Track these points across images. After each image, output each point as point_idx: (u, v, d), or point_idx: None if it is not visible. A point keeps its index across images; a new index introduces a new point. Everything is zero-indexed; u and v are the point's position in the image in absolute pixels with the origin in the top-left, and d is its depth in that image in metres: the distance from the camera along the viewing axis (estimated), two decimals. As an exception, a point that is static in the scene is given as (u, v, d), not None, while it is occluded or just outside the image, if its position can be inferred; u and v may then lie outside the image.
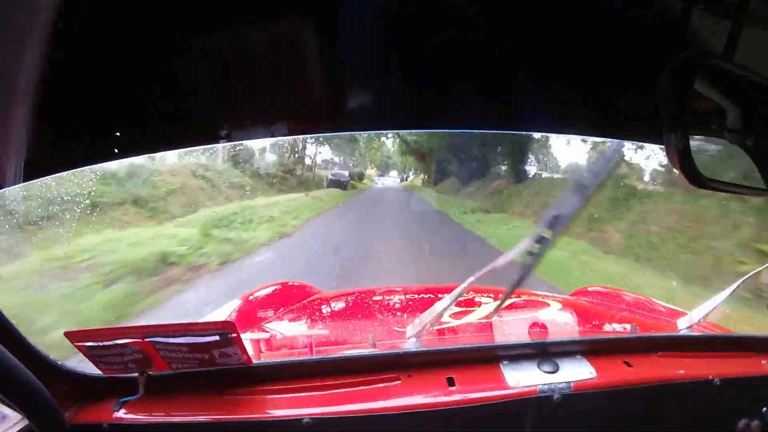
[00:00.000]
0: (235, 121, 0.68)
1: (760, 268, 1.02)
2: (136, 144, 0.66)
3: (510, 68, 0.68)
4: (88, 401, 0.76)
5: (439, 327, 1.14)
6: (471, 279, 0.84)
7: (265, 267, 5.63)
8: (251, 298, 1.66)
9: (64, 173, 0.69)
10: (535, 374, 0.82)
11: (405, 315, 1.34)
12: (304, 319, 1.40)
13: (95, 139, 0.63)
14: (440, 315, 0.89)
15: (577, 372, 0.82)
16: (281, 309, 1.45)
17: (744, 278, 1.00)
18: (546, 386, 0.79)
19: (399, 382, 0.81)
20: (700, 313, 1.01)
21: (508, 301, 1.41)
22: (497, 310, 0.93)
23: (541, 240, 0.75)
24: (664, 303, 1.49)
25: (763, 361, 0.91)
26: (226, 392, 0.77)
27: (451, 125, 0.84)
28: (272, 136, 0.71)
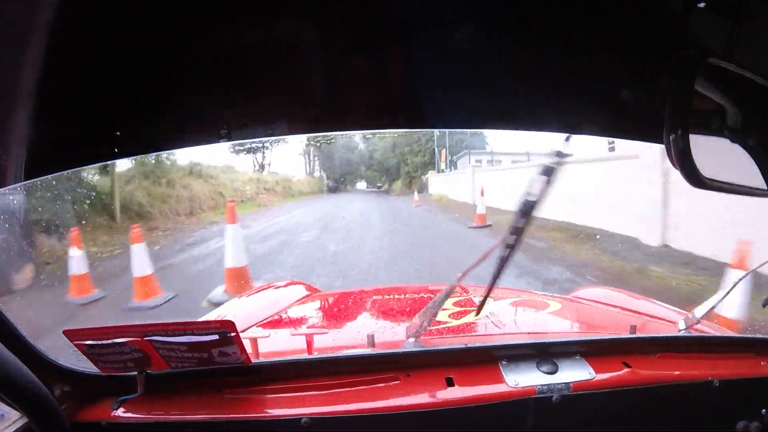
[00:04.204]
0: (235, 120, 0.68)
1: (757, 266, 1.01)
2: (136, 144, 0.66)
3: (510, 68, 0.68)
4: (87, 400, 0.77)
5: (438, 327, 1.14)
6: (459, 275, 0.84)
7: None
8: (250, 297, 1.66)
9: (65, 173, 0.69)
10: (534, 375, 0.82)
11: (404, 315, 1.34)
12: (303, 318, 1.40)
13: (95, 139, 0.63)
14: (435, 313, 0.89)
15: (576, 372, 0.82)
16: (280, 308, 1.45)
17: (741, 277, 0.99)
18: (545, 387, 0.79)
19: (398, 381, 0.80)
20: (699, 312, 1.00)
21: (509, 300, 1.40)
22: (482, 305, 0.93)
23: (516, 231, 0.76)
24: (663, 304, 1.48)
25: (762, 362, 0.91)
26: (225, 391, 0.78)
27: (452, 124, 0.83)
28: (272, 135, 0.71)
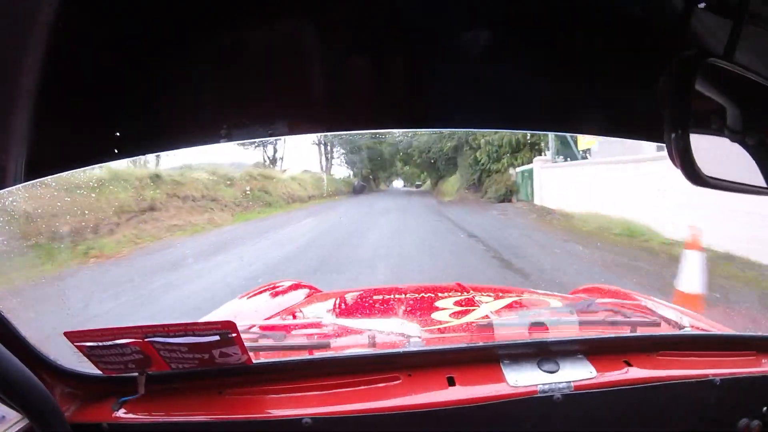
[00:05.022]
0: (235, 120, 0.68)
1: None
2: (136, 144, 0.66)
3: (511, 67, 0.68)
4: (88, 401, 0.77)
5: (439, 327, 1.14)
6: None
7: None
8: (251, 297, 1.66)
9: (65, 173, 0.69)
10: (535, 374, 0.82)
11: (405, 314, 1.34)
12: (305, 318, 1.40)
13: (95, 139, 0.63)
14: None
15: (577, 372, 0.82)
16: (282, 308, 1.45)
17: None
18: (546, 386, 0.79)
19: (399, 381, 0.80)
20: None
21: (508, 300, 1.40)
22: None
23: None
24: (664, 302, 1.48)
25: (763, 360, 0.91)
26: (226, 392, 0.77)
27: (452, 125, 0.83)
28: (272, 135, 0.71)
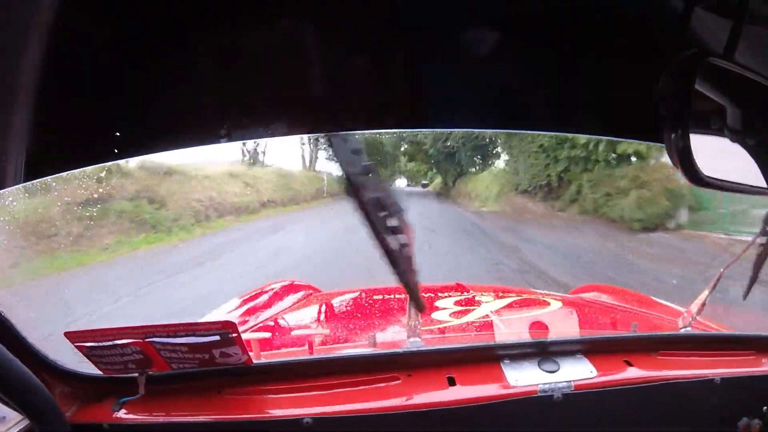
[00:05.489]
0: (235, 120, 0.68)
1: (740, 253, 0.99)
2: (136, 144, 0.66)
3: (511, 67, 0.68)
4: (89, 401, 0.77)
5: (439, 326, 1.14)
6: None
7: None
8: (251, 297, 1.66)
9: (65, 173, 0.69)
10: (535, 374, 0.82)
11: (405, 314, 1.34)
12: (304, 318, 1.40)
13: (95, 139, 0.63)
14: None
15: (577, 371, 0.82)
16: (282, 308, 1.45)
17: (724, 270, 0.98)
18: (547, 386, 0.79)
19: (399, 381, 0.81)
20: (694, 309, 1.00)
21: (510, 299, 1.41)
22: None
23: None
24: (664, 301, 1.49)
25: (763, 360, 0.91)
26: (226, 392, 0.78)
27: (452, 125, 0.83)
28: (272, 136, 0.71)
